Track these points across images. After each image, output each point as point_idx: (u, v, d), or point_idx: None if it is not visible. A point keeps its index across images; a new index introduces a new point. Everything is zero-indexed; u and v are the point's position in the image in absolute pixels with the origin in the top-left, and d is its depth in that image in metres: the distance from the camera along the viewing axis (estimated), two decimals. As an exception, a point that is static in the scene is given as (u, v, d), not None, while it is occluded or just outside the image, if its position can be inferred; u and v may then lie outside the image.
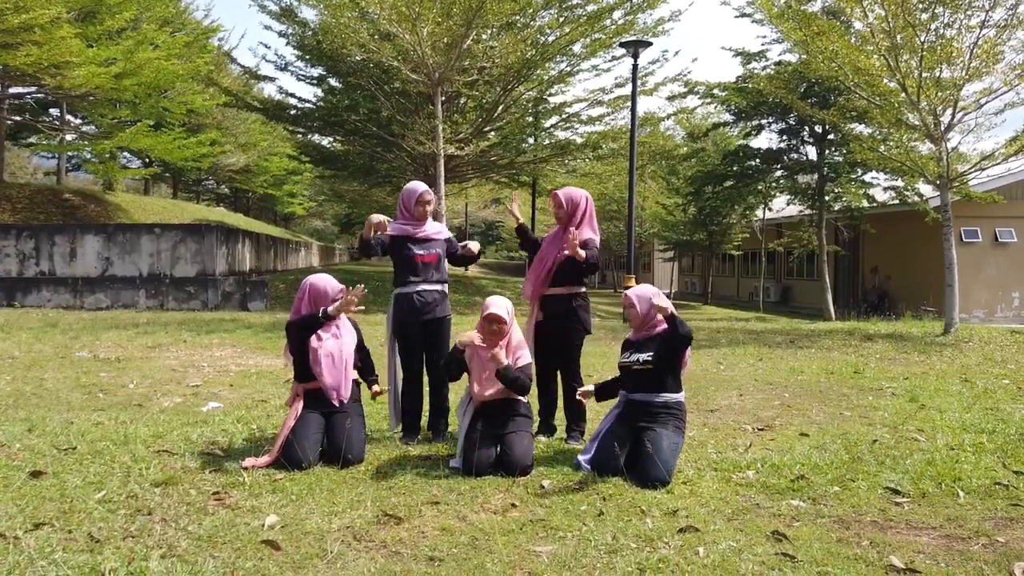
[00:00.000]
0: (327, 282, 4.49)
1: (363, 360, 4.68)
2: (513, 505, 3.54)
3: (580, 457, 4.20)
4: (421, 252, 4.75)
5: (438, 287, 4.79)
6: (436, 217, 4.88)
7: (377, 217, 4.72)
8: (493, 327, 4.22)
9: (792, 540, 3.14)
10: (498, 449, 4.10)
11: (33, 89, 18.79)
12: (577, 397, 4.53)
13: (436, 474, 3.99)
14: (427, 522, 3.30)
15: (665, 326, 4.22)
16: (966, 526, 3.35)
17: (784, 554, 2.99)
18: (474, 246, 5.02)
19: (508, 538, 3.13)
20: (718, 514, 3.47)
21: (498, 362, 4.15)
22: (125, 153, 26.40)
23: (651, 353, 4.18)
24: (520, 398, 4.32)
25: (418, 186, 4.81)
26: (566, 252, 4.59)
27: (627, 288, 4.73)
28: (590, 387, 4.47)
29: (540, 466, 4.17)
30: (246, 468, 3.97)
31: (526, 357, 4.32)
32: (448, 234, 4.97)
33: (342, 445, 4.10)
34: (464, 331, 4.33)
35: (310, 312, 4.38)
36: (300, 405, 4.33)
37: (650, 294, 4.33)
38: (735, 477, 4.04)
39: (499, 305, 4.25)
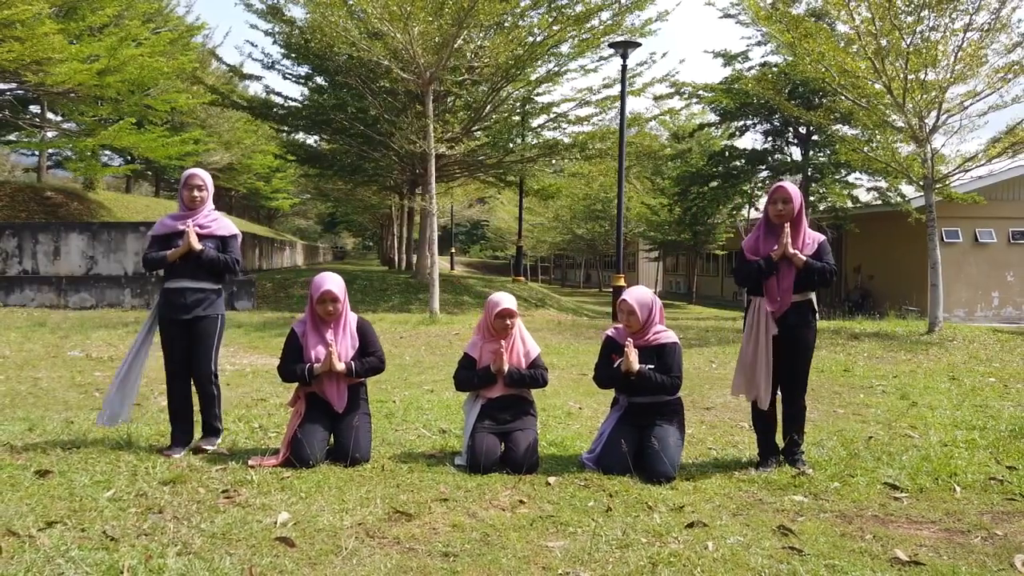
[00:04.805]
0: (335, 282, 4.27)
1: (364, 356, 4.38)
2: (521, 502, 3.58)
3: (584, 456, 4.24)
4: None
5: None
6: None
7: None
8: (507, 322, 4.27)
9: (798, 534, 3.21)
10: (503, 446, 4.14)
11: (14, 86, 18.51)
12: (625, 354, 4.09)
13: (442, 472, 4.02)
14: (437, 519, 3.33)
15: (665, 338, 4.20)
16: (964, 520, 3.43)
17: (791, 548, 3.05)
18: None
19: (519, 534, 3.16)
20: (723, 509, 3.53)
21: (499, 371, 4.18)
22: (107, 151, 26.08)
23: (651, 366, 4.15)
24: (528, 397, 4.36)
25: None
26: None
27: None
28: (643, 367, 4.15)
29: (544, 464, 4.21)
30: (252, 467, 3.97)
31: (535, 349, 4.37)
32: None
33: (349, 444, 4.11)
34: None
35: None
36: (303, 406, 4.27)
37: (649, 300, 4.24)
38: (737, 473, 4.10)
39: (509, 300, 4.27)
